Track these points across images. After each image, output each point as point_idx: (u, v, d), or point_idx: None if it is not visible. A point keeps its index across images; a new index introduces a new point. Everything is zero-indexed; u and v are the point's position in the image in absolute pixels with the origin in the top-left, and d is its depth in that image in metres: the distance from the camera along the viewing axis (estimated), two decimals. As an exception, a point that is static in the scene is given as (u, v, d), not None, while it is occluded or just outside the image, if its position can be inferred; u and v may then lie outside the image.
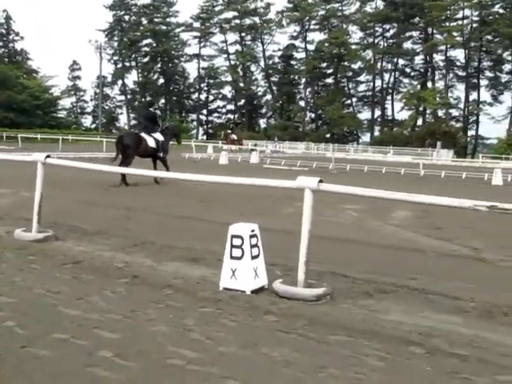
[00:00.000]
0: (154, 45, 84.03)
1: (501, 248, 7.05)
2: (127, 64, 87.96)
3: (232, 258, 4.56)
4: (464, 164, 39.65)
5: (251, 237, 4.57)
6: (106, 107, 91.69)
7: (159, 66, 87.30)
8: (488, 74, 69.78)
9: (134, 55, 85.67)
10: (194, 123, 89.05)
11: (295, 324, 3.89)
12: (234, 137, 41.26)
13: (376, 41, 75.61)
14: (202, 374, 3.01)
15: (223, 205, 10.45)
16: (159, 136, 14.56)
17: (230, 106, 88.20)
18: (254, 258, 4.57)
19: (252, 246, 4.56)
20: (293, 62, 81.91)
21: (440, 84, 72.72)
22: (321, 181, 4.50)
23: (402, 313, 4.23)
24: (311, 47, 79.04)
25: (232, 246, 4.56)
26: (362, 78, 79.35)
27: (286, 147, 57.30)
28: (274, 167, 24.97)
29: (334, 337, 3.66)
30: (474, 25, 67.41)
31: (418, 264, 6.04)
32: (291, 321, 3.95)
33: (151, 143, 14.18)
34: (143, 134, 14.22)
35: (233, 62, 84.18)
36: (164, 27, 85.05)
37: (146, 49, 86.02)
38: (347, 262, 5.80)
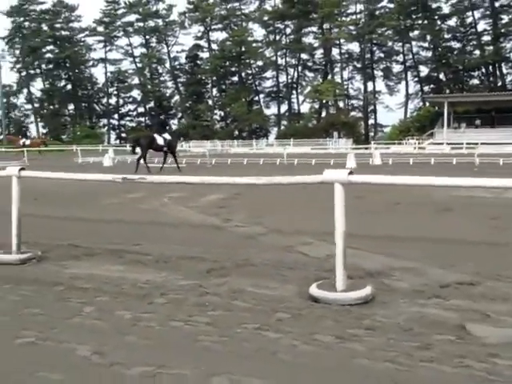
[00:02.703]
0: (57, 51, 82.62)
1: (250, 217, 8.43)
2: (31, 71, 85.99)
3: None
4: (355, 151, 41.72)
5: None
6: (14, 117, 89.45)
7: (65, 72, 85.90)
8: (381, 65, 73.59)
9: (36, 62, 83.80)
10: (106, 128, 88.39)
11: (-15, 281, 4.96)
12: (27, 142, 39.26)
13: (277, 37, 77.69)
14: None
15: (54, 201, 11.35)
16: (167, 136, 20.44)
17: (141, 109, 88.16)
18: (-26, 235, 5.62)
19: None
20: (199, 62, 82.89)
21: (340, 76, 75.96)
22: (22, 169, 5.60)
23: (86, 268, 5.37)
24: (217, 47, 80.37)
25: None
26: (268, 74, 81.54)
27: (191, 146, 58.30)
28: (155, 165, 25.93)
29: (6, 286, 4.75)
30: (365, 19, 70.87)
31: (158, 234, 7.28)
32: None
33: (160, 141, 19.88)
34: (155, 135, 20.12)
35: (139, 65, 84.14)
36: (66, 32, 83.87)
37: (50, 55, 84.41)
38: (98, 237, 6.93)
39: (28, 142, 38.47)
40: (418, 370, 2.90)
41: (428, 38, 68.64)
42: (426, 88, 72.00)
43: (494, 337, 3.31)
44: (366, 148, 45.18)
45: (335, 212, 4.12)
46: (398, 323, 3.59)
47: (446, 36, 69.22)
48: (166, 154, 20.83)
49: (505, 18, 65.17)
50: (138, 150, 20.88)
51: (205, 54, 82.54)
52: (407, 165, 23.10)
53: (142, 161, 19.82)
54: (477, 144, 43.82)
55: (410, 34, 70.12)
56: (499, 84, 65.27)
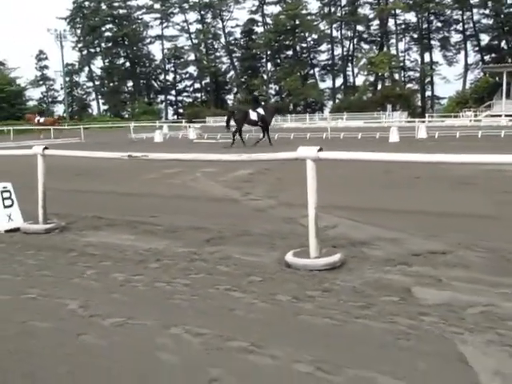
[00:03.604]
0: (116, 29, 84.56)
1: (269, 191, 8.86)
2: (92, 50, 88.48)
3: (-10, 208, 6.31)
4: (408, 124, 40.93)
5: (3, 192, 6.31)
6: (77, 94, 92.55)
7: (123, 50, 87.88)
8: (439, 35, 71.42)
9: (96, 41, 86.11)
10: (163, 104, 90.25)
11: (13, 247, 5.64)
12: (41, 120, 38.92)
13: (332, 9, 76.60)
14: None
15: (95, 176, 12.14)
16: (260, 111, 21.75)
17: (197, 85, 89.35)
18: (6, 207, 6.31)
19: (4, 199, 6.30)
20: (254, 37, 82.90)
21: (398, 47, 74.30)
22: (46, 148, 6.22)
23: (102, 236, 5.98)
24: (271, 21, 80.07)
25: (-10, 200, 6.31)
26: (323, 47, 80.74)
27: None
28: (203, 141, 26.66)
29: (28, 252, 5.41)
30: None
31: (178, 207, 7.83)
32: (12, 245, 5.69)
33: (253, 116, 21.54)
34: (249, 110, 21.87)
35: (195, 41, 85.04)
36: (124, 11, 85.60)
37: (108, 34, 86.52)
38: (123, 209, 7.55)
39: (42, 119, 39.29)
40: (349, 325, 3.29)
41: (489, 4, 65.86)
42: (486, 57, 69.49)
43: (433, 299, 3.64)
44: (423, 121, 44.46)
45: (308, 185, 4.48)
46: (353, 286, 3.97)
47: (510, 1, 66.16)
48: (262, 129, 22.08)
49: None
50: (232, 123, 22.24)
51: (259, 29, 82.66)
52: (453, 138, 22.79)
53: (237, 134, 21.97)
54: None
55: (471, 1, 67.52)
56: None
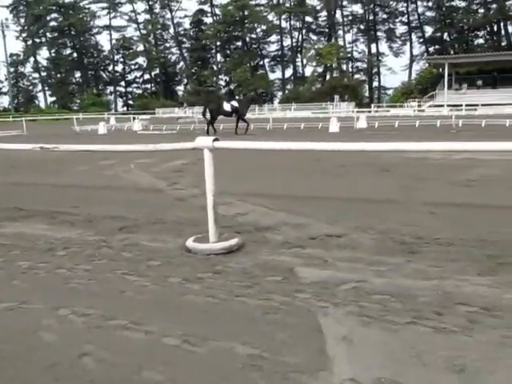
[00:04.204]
0: (61, 19, 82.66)
1: (195, 181, 9.03)
2: (37, 40, 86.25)
3: None
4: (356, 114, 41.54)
5: None
6: (23, 86, 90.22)
7: (70, 40, 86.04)
8: (385, 26, 72.85)
9: (41, 31, 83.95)
10: (112, 96, 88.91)
11: None
12: None
13: (281, 0, 76.92)
14: None
15: (30, 168, 12.06)
16: (234, 103, 22.66)
17: (147, 76, 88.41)
18: None
19: None
20: (203, 28, 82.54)
21: (346, 38, 75.42)
22: None
23: (17, 227, 6.05)
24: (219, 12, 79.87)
25: None
26: (272, 38, 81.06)
27: (195, 112, 58.54)
28: (147, 132, 26.57)
29: None
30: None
31: (102, 197, 7.93)
32: None
33: (227, 108, 22.45)
34: (224, 102, 22.76)
35: (144, 32, 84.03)
36: (70, 0, 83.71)
37: (54, 23, 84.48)
38: (47, 201, 7.60)
39: None
40: (228, 302, 3.53)
41: (432, -3, 67.60)
42: (431, 49, 71.27)
43: (312, 277, 3.93)
44: (369, 111, 45.38)
45: (205, 173, 4.70)
46: (243, 268, 4.22)
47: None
48: (237, 120, 22.94)
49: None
50: (207, 115, 22.95)
51: (209, 19, 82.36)
52: (391, 127, 23.48)
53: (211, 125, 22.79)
54: (477, 105, 43.69)
55: (415, -6, 69.13)
56: (504, 44, 64.35)
